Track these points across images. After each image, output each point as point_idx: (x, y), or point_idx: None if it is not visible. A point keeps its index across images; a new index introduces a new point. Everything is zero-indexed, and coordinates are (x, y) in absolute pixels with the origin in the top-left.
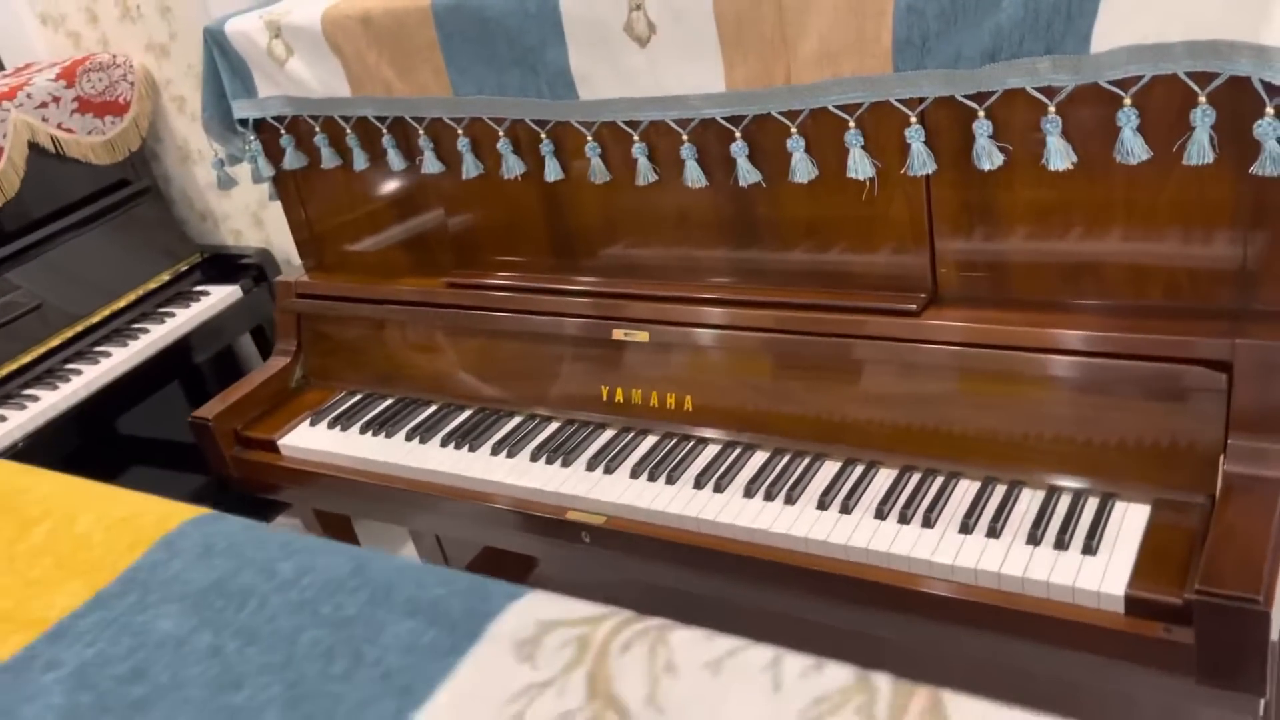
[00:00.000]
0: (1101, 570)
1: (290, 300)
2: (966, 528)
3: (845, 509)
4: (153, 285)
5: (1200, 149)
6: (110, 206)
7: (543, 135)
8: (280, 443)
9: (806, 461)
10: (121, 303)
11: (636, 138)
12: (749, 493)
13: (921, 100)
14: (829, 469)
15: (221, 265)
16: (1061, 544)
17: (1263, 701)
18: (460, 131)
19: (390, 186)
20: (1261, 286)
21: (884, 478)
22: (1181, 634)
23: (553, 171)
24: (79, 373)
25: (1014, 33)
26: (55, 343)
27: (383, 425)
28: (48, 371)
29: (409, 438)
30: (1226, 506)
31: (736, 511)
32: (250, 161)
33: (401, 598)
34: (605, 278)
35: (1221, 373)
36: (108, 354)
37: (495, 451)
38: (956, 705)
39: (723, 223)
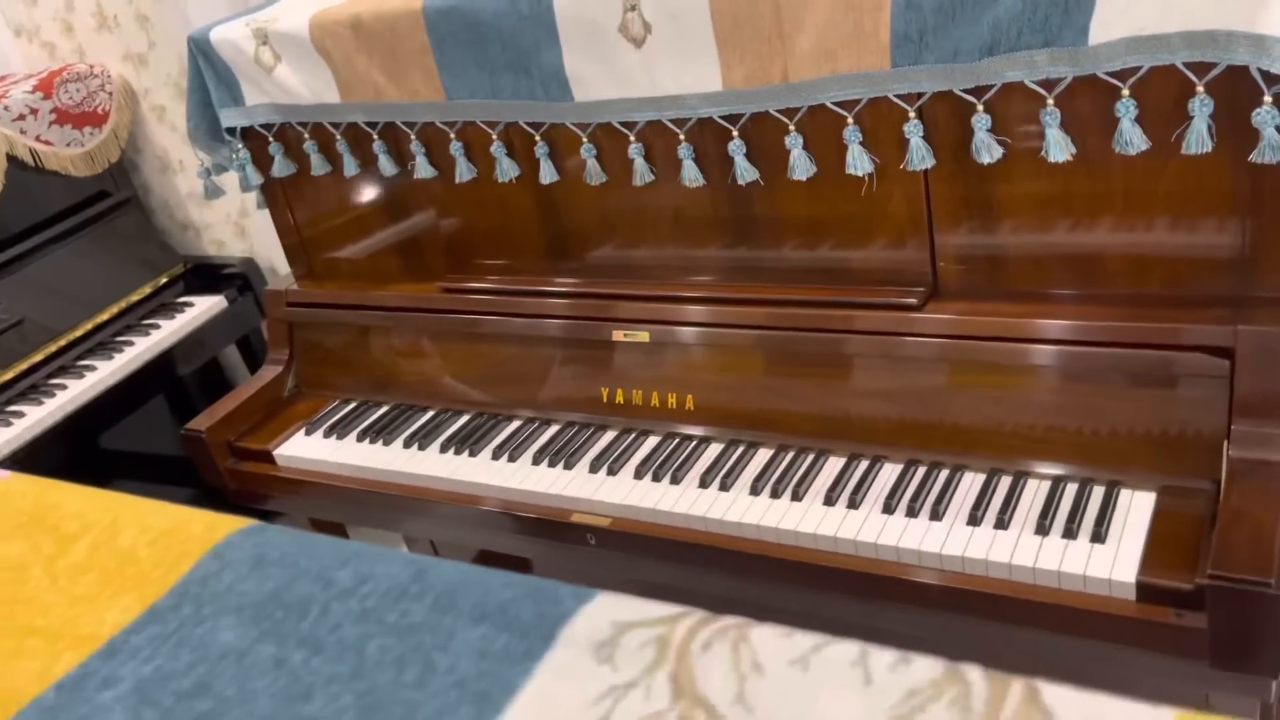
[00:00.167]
0: (1111, 558)
1: (281, 309)
2: (975, 519)
3: (853, 504)
4: (135, 297)
5: (1199, 138)
6: (91, 219)
7: (537, 138)
8: (276, 453)
9: (811, 458)
10: (104, 315)
11: (633, 138)
12: (755, 490)
13: (920, 95)
14: (834, 465)
15: (205, 276)
16: (1070, 533)
17: (1275, 683)
18: (453, 135)
19: (381, 192)
20: (1261, 273)
21: (889, 472)
22: (1193, 619)
23: (548, 174)
24: (64, 387)
25: (1011, 26)
26: (38, 358)
27: (379, 432)
28: (31, 387)
29: (407, 444)
30: (1232, 491)
31: (743, 509)
32: (238, 170)
33: (467, 604)
34: (604, 279)
35: (1224, 359)
36: (92, 368)
37: (496, 456)
38: (1054, 695)
39: (721, 221)
